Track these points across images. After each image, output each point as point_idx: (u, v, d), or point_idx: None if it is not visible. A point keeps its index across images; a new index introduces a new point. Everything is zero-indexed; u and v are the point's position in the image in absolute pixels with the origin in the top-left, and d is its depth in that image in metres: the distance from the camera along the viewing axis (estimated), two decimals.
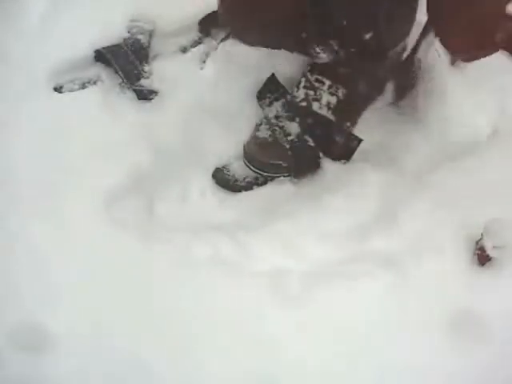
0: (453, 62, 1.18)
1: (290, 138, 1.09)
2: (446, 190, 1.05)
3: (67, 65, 1.23)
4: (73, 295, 0.98)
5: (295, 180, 1.11)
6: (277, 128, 1.10)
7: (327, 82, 1.09)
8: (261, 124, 1.12)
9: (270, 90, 1.13)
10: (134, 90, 1.20)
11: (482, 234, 1.00)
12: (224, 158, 1.13)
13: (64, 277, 1.00)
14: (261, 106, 1.13)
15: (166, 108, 1.19)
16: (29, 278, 1.00)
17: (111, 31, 1.25)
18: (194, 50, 1.27)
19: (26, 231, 1.04)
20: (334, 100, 1.09)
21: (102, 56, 1.23)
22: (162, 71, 1.24)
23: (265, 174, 1.11)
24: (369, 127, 1.15)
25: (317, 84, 1.10)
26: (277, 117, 1.11)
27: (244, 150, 1.12)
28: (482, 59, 0.96)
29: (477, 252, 1.00)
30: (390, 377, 0.92)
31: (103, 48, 1.23)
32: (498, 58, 1.16)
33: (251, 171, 1.11)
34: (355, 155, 1.11)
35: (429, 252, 1.00)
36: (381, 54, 1.06)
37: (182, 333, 0.96)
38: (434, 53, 1.17)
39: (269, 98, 1.13)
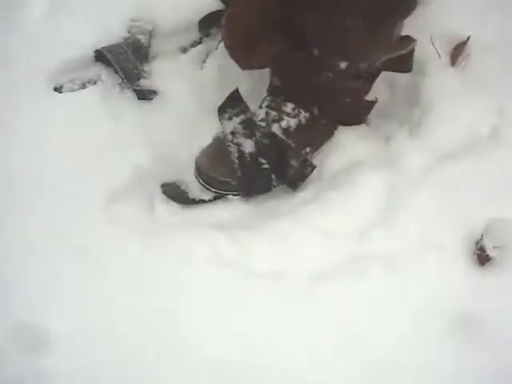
0: (453, 63, 1.18)
1: (243, 156, 1.06)
2: (446, 190, 1.05)
3: (67, 65, 1.22)
4: (72, 295, 0.98)
5: (244, 199, 1.09)
6: (231, 144, 1.06)
7: (290, 105, 1.07)
8: (217, 138, 1.09)
9: (231, 105, 1.10)
10: (134, 90, 1.20)
11: (481, 234, 1.00)
12: None
13: (64, 277, 1.00)
14: (220, 120, 1.09)
15: (166, 108, 1.19)
16: (29, 278, 1.00)
17: (111, 31, 1.25)
18: (193, 49, 1.27)
19: (26, 231, 1.04)
20: (294, 123, 1.07)
21: (101, 56, 1.23)
22: (162, 71, 1.24)
23: (213, 189, 1.07)
24: (369, 128, 1.16)
25: (280, 105, 1.07)
26: (233, 133, 1.07)
27: (196, 162, 1.08)
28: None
29: (477, 252, 1.00)
30: (390, 376, 0.92)
31: (103, 48, 1.23)
32: (497, 58, 1.16)
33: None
34: (356, 155, 1.11)
35: (429, 252, 1.00)
36: (355, 78, 1.04)
37: (183, 332, 0.96)
38: (435, 53, 1.18)
39: (229, 112, 1.09)
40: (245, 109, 1.09)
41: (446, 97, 1.13)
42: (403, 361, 0.93)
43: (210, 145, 1.10)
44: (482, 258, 0.99)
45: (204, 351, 0.94)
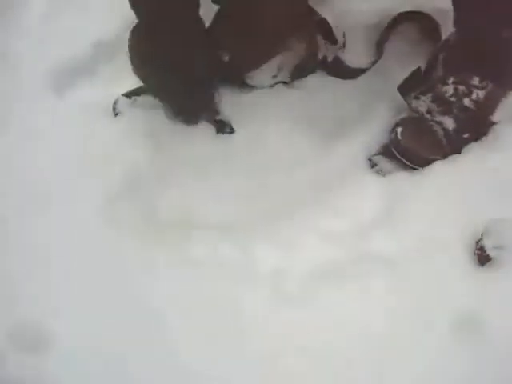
0: None
1: (448, 134, 1.08)
2: (446, 190, 1.05)
3: (67, 65, 1.23)
4: (72, 295, 0.99)
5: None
6: (433, 123, 1.08)
7: (476, 78, 1.08)
8: (412, 118, 1.11)
9: (413, 84, 1.13)
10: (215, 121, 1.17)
11: (481, 234, 1.00)
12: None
13: (64, 277, 1.00)
14: (406, 100, 1.12)
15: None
16: (29, 278, 1.00)
17: (111, 31, 1.25)
18: None
19: (26, 232, 1.04)
20: (482, 95, 1.08)
21: None
22: None
23: (420, 168, 1.09)
24: (369, 129, 1.16)
25: (466, 79, 1.09)
26: (429, 111, 1.09)
27: (396, 139, 1.09)
28: None
29: (477, 252, 1.00)
30: (390, 377, 0.92)
31: None
32: None
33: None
34: (356, 156, 1.12)
35: (429, 252, 1.00)
36: None
37: (182, 333, 0.96)
38: None
39: (415, 91, 1.12)
40: (431, 87, 1.11)
41: None
42: (403, 361, 0.93)
43: (407, 124, 1.10)
44: (482, 258, 0.99)
45: (204, 352, 0.94)
